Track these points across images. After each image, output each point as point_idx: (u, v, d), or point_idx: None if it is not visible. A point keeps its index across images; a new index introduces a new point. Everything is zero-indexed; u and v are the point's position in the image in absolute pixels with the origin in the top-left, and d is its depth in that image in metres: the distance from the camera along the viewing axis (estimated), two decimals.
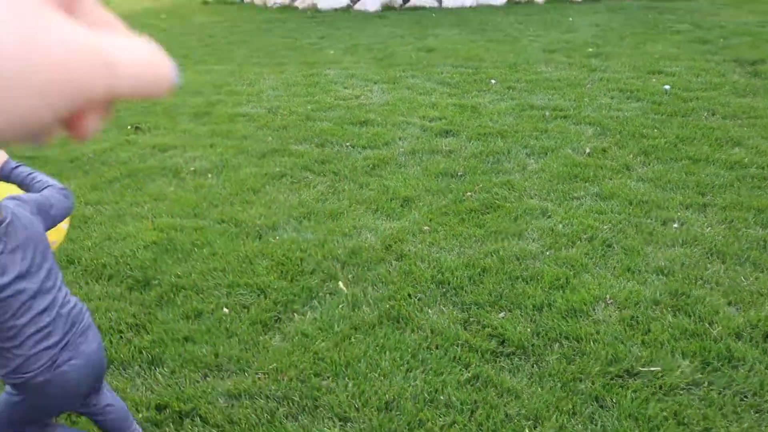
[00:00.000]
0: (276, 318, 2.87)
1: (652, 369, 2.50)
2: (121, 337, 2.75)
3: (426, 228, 3.52)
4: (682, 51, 6.65)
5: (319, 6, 10.61)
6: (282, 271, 3.21)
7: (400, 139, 4.77)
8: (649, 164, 4.14)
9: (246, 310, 2.92)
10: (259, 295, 3.03)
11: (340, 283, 3.11)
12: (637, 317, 2.75)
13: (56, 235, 2.01)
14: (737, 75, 5.82)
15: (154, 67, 0.30)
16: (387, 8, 10.11)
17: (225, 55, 8.02)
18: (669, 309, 2.80)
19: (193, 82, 6.74)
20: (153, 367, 2.59)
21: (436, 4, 10.03)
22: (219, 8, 12.15)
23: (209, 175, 4.38)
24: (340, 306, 2.94)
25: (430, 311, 2.88)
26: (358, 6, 10.31)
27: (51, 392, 1.76)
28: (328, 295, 3.04)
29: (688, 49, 6.70)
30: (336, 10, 10.42)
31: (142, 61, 0.29)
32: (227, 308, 2.93)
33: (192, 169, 4.50)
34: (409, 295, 2.98)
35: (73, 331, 1.78)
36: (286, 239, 3.51)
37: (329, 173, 4.29)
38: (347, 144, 4.72)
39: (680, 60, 6.33)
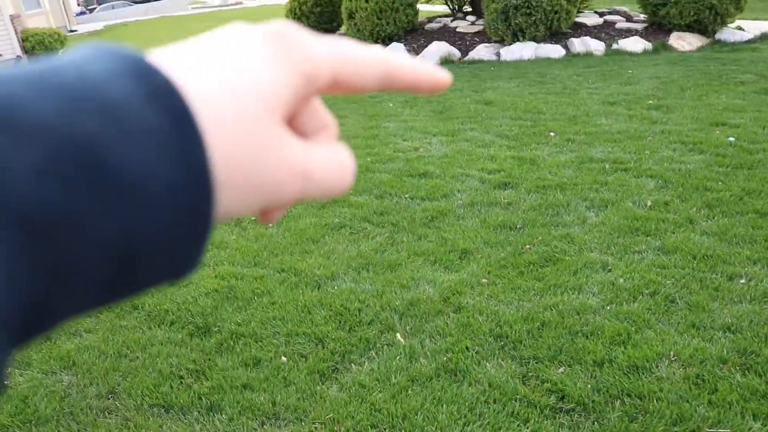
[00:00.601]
0: (333, 368, 2.89)
1: (720, 430, 2.42)
2: (182, 382, 2.80)
3: (484, 280, 3.51)
4: (746, 102, 6.53)
5: None
6: (340, 321, 3.24)
7: (458, 191, 4.79)
8: (714, 218, 4.06)
9: (304, 359, 2.95)
10: (317, 345, 3.06)
11: (398, 335, 3.12)
12: (703, 375, 2.67)
13: None
14: None
15: (343, 172, 0.33)
16: (446, 61, 10.25)
17: None
18: (737, 368, 2.71)
19: None
20: (211, 414, 2.62)
21: (494, 58, 10.14)
22: None
23: (270, 226, 4.47)
24: (398, 357, 2.95)
25: (488, 365, 2.85)
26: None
27: None
28: (385, 347, 3.04)
29: (753, 100, 6.58)
30: None
31: (335, 169, 0.32)
32: (285, 357, 2.96)
33: (253, 218, 4.60)
34: (467, 347, 2.96)
35: None
36: (344, 289, 3.54)
37: (388, 224, 4.33)
38: (406, 196, 4.77)
39: (745, 111, 6.22)
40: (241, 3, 39.91)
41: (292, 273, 3.77)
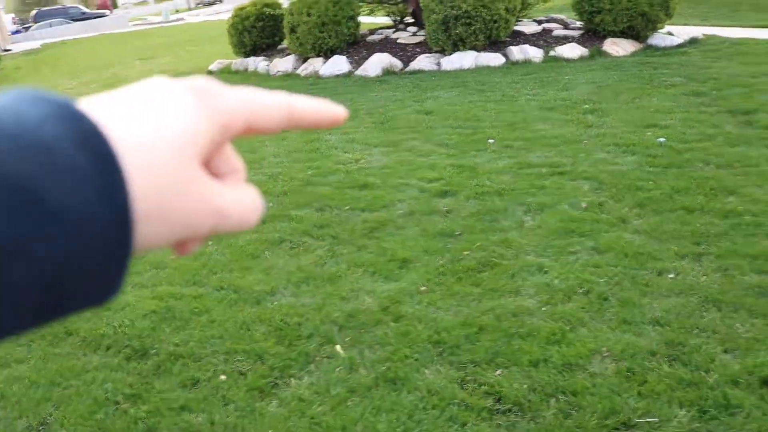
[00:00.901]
0: (273, 384, 2.89)
1: (649, 420, 2.49)
2: (117, 408, 2.78)
3: (423, 288, 3.56)
4: (676, 104, 6.75)
5: (321, 73, 10.86)
6: (279, 337, 3.24)
7: (398, 201, 4.84)
8: (645, 216, 4.18)
9: (243, 377, 2.94)
10: (256, 361, 3.06)
11: (338, 347, 3.14)
12: (634, 369, 2.76)
13: None
14: (730, 125, 5.89)
15: (252, 210, 0.37)
16: (388, 73, 10.34)
17: None
18: (665, 359, 2.80)
19: None
20: None
21: (435, 67, 10.26)
22: (224, 77, 12.34)
23: (209, 242, 4.45)
24: (337, 369, 2.97)
25: (426, 371, 2.89)
26: (359, 72, 10.55)
27: None
28: (325, 359, 3.06)
29: (682, 102, 6.80)
30: (337, 76, 10.66)
31: (245, 207, 0.37)
32: (224, 375, 2.95)
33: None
34: (406, 356, 3.00)
35: None
36: (284, 304, 3.55)
37: (328, 237, 4.36)
38: (346, 208, 4.80)
39: (675, 113, 6.42)
40: (183, 19, 39.54)
41: (232, 290, 3.76)
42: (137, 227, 0.31)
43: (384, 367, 2.94)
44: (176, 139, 0.33)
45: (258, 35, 13.13)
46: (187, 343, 3.21)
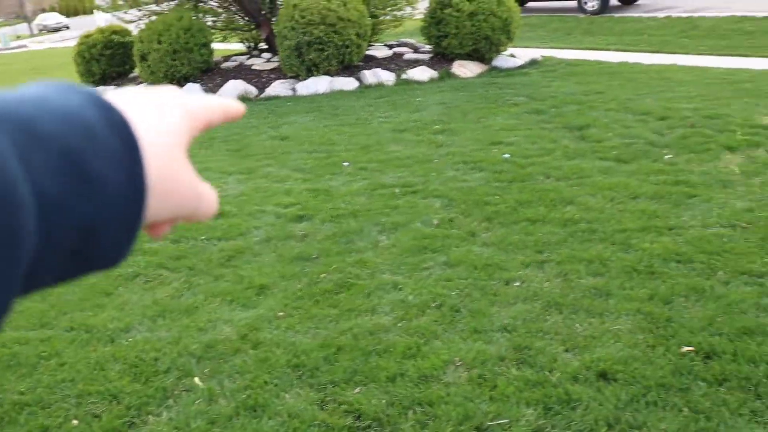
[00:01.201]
0: (129, 423, 2.80)
1: (500, 422, 2.63)
2: None
3: (281, 314, 3.57)
4: (519, 121, 7.15)
5: None
6: (135, 374, 3.15)
7: (255, 228, 4.83)
8: (492, 229, 4.40)
9: (97, 419, 2.84)
10: (111, 402, 2.95)
11: (196, 379, 3.09)
12: (485, 375, 2.90)
13: None
14: (567, 140, 6.32)
15: (215, 201, 0.46)
16: (243, 99, 10.27)
17: None
18: (513, 363, 2.97)
19: None
20: None
21: (290, 93, 10.31)
22: None
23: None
24: (196, 402, 2.92)
25: (287, 396, 2.91)
26: None
27: None
28: (183, 393, 3.01)
29: (525, 120, 7.22)
30: None
31: (213, 196, 0.46)
32: (77, 420, 2.83)
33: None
34: (266, 382, 3.00)
35: None
36: (139, 340, 3.46)
37: (184, 269, 4.28)
38: (202, 237, 4.73)
39: (518, 130, 6.81)
40: (25, 46, 37.38)
41: (83, 330, 3.61)
42: (148, 197, 0.38)
43: (244, 396, 2.93)
44: (172, 132, 0.41)
45: (107, 63, 12.69)
46: (35, 389, 3.05)
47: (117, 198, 0.36)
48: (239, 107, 0.50)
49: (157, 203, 0.39)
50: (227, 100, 0.49)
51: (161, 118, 0.41)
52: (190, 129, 0.44)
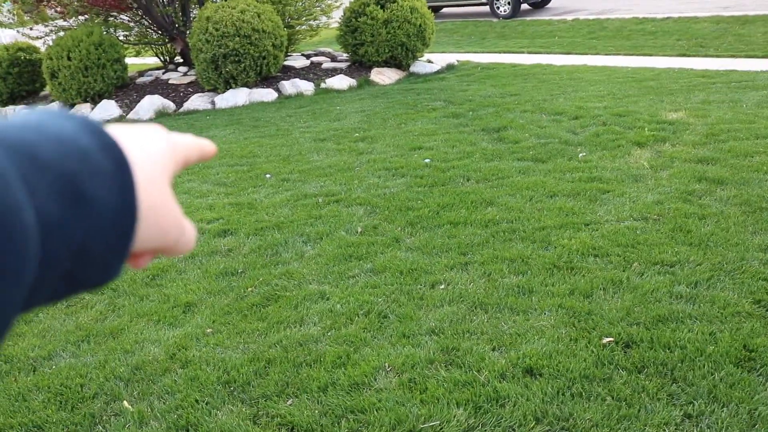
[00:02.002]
0: None
1: (432, 424, 2.67)
2: None
3: (209, 330, 3.53)
4: (438, 126, 7.26)
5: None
6: (61, 402, 3.06)
7: None
8: (416, 234, 4.46)
9: None
10: None
11: (125, 402, 3.02)
12: (415, 378, 2.94)
13: None
14: (485, 142, 6.46)
15: (194, 235, 0.48)
16: (161, 114, 10.08)
17: None
18: (442, 365, 3.02)
19: None
20: None
21: (209, 106, 10.17)
22: None
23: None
24: (126, 426, 2.86)
25: (219, 413, 2.88)
26: (131, 115, 10.18)
27: None
28: (113, 417, 2.94)
29: (443, 124, 7.34)
30: (108, 121, 10.18)
31: (192, 231, 0.47)
32: None
33: None
34: (197, 400, 2.96)
35: None
36: (63, 366, 3.36)
37: (107, 290, 4.17)
38: None
39: (437, 134, 6.91)
40: None
41: (2, 360, 3.48)
42: (138, 220, 0.40)
43: (175, 416, 2.89)
44: (159, 161, 0.43)
45: (15, 82, 12.21)
46: None
47: (110, 218, 0.38)
48: (213, 147, 0.53)
49: (145, 228, 0.41)
50: (203, 139, 0.53)
51: (150, 147, 0.43)
52: (174, 162, 0.46)
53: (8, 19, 13.93)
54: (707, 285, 3.42)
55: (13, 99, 12.41)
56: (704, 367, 2.77)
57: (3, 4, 12.72)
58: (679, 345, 2.94)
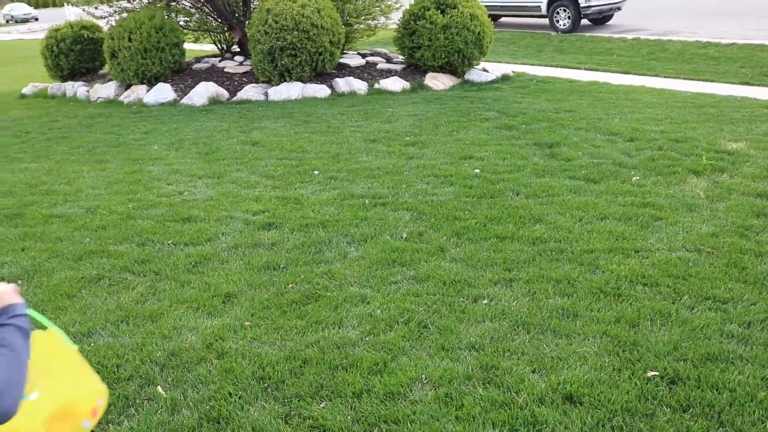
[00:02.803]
0: None
1: None
2: None
3: (247, 323, 3.52)
4: (490, 137, 7.18)
5: (145, 100, 10.49)
6: None
7: (222, 234, 4.77)
8: (461, 245, 4.41)
9: None
10: None
11: (159, 388, 3.03)
12: (452, 393, 2.89)
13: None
14: (537, 157, 6.37)
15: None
16: (214, 102, 10.18)
17: (42, 152, 7.71)
18: (480, 382, 2.96)
19: (5, 182, 6.41)
20: None
21: (262, 97, 10.24)
22: (38, 102, 11.70)
23: (19, 282, 4.15)
24: (159, 412, 2.87)
25: (251, 408, 2.86)
26: (185, 100, 10.30)
27: None
28: (146, 402, 2.95)
29: (495, 135, 7.26)
30: (162, 104, 10.35)
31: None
32: None
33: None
34: (230, 393, 2.95)
35: None
36: (101, 345, 3.38)
37: (150, 273, 4.20)
38: (169, 242, 4.66)
39: (489, 145, 6.83)
40: None
41: None
42: None
43: (207, 407, 2.88)
44: None
45: (76, 59, 12.48)
46: None
47: None
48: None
49: None
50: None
51: None
52: None
53: None
54: (761, 326, 3.30)
55: (73, 75, 12.67)
56: (755, 413, 2.67)
57: None
58: (728, 387, 2.83)
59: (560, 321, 3.43)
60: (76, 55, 12.47)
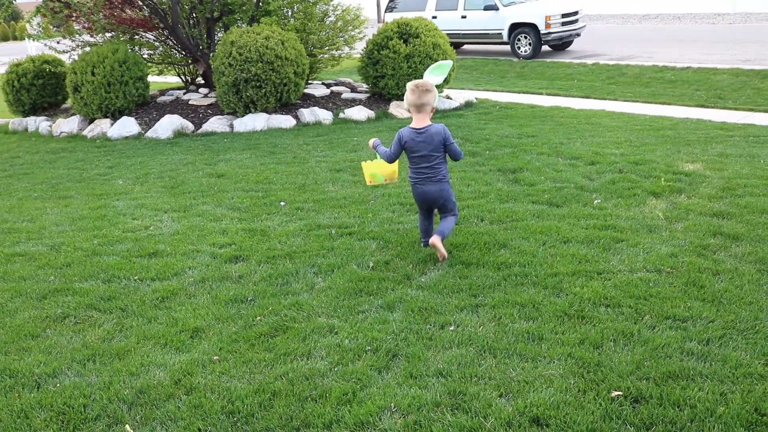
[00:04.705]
0: None
1: None
2: None
3: (216, 358, 3.52)
4: (454, 163, 7.26)
5: (109, 134, 10.44)
6: (63, 422, 3.05)
7: (189, 268, 4.76)
8: (427, 272, 4.45)
9: None
10: None
11: (127, 426, 3.01)
12: (420, 421, 2.91)
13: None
14: (501, 183, 6.47)
15: None
16: (179, 134, 10.16)
17: (3, 189, 7.62)
18: (448, 408, 2.99)
19: None
20: None
21: (228, 129, 10.25)
22: None
23: None
24: None
25: None
26: (149, 133, 10.27)
27: (415, 194, 4.69)
28: None
29: (459, 162, 7.33)
30: (127, 138, 10.30)
31: None
32: None
33: None
34: (200, 429, 2.94)
35: (428, 178, 4.55)
36: (67, 386, 3.35)
37: (116, 310, 4.18)
38: (135, 278, 4.64)
39: (453, 171, 6.88)
40: None
41: (7, 375, 3.48)
42: None
43: None
44: None
45: (38, 93, 12.39)
46: None
47: None
48: None
49: None
50: None
51: None
52: None
53: (36, 31, 14.13)
54: (719, 343, 3.39)
55: (35, 110, 12.56)
56: (714, 428, 2.74)
57: (33, 18, 12.90)
58: (689, 404, 2.90)
59: (526, 345, 3.48)
60: (38, 89, 12.39)
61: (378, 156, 4.87)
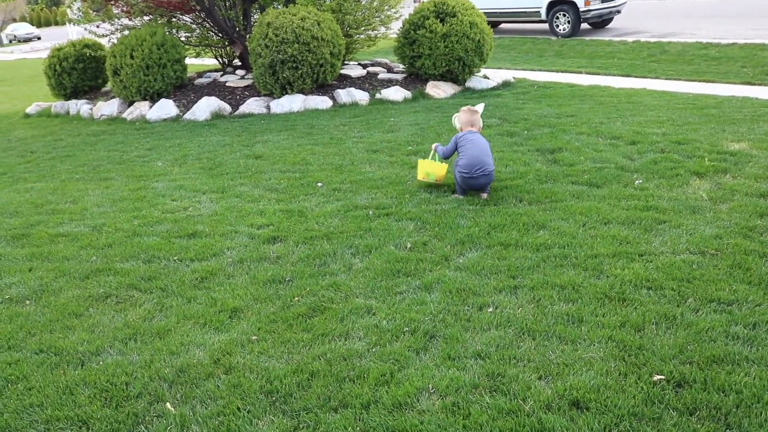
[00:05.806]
0: None
1: None
2: None
3: (254, 338, 3.54)
4: (493, 143, 7.17)
5: (148, 117, 10.56)
6: (106, 399, 3.10)
7: (228, 249, 4.79)
8: (465, 253, 4.42)
9: None
10: (80, 428, 2.91)
11: (168, 404, 3.04)
12: (459, 402, 2.89)
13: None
14: (539, 163, 6.38)
15: None
16: (217, 116, 10.23)
17: (47, 171, 7.76)
18: (487, 390, 2.97)
19: (10, 203, 6.46)
20: None
21: (265, 111, 10.29)
22: (42, 122, 11.77)
23: (27, 302, 4.18)
24: (168, 429, 2.88)
25: (260, 423, 2.88)
26: (187, 115, 10.36)
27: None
28: (155, 419, 2.96)
29: (497, 142, 7.27)
30: (165, 120, 10.41)
31: None
32: None
33: (7, 297, 4.28)
34: (239, 408, 2.97)
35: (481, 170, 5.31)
36: (110, 363, 3.40)
37: (156, 290, 4.23)
38: (175, 258, 4.69)
39: (492, 152, 6.83)
40: None
41: (53, 352, 3.55)
42: None
43: (216, 422, 2.90)
44: None
45: (79, 77, 12.58)
46: (1, 414, 2.99)
47: None
48: None
49: None
50: None
51: None
52: None
53: (77, 15, 14.31)
54: (767, 327, 3.30)
55: (76, 93, 12.76)
56: (761, 414, 2.67)
57: (73, 2, 13.06)
58: (735, 389, 2.83)
59: (565, 327, 3.44)
60: (79, 73, 12.57)
61: (436, 156, 5.77)
